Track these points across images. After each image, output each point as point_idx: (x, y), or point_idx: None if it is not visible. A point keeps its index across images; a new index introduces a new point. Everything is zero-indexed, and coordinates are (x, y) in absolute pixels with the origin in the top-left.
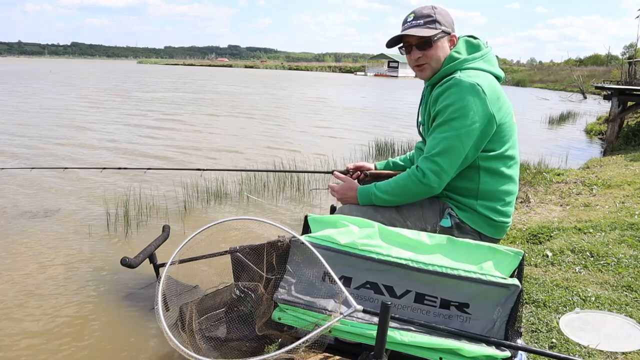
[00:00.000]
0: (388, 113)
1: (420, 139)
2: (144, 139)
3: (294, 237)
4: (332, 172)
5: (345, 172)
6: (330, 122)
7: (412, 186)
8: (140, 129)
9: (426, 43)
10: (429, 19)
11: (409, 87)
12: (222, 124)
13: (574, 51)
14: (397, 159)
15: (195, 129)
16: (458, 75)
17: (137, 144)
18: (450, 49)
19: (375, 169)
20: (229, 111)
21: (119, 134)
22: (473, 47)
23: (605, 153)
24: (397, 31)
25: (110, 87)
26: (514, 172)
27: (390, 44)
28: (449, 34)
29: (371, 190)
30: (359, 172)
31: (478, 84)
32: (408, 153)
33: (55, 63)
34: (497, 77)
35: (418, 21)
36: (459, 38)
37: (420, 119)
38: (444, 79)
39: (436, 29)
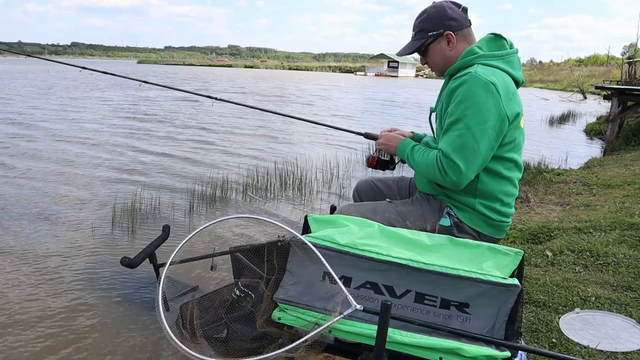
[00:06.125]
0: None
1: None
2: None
3: (294, 236)
4: (363, 134)
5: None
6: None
7: (437, 177)
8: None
9: (420, 53)
10: (416, 31)
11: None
12: None
13: (570, 51)
14: (429, 139)
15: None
16: (474, 70)
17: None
18: (449, 46)
19: (413, 136)
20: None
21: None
22: (495, 45)
23: (605, 153)
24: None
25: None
26: (514, 175)
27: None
28: (441, 34)
29: (408, 151)
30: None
31: (492, 82)
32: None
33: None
34: (516, 81)
35: (413, 33)
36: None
37: (433, 107)
38: (460, 72)
39: (422, 38)
